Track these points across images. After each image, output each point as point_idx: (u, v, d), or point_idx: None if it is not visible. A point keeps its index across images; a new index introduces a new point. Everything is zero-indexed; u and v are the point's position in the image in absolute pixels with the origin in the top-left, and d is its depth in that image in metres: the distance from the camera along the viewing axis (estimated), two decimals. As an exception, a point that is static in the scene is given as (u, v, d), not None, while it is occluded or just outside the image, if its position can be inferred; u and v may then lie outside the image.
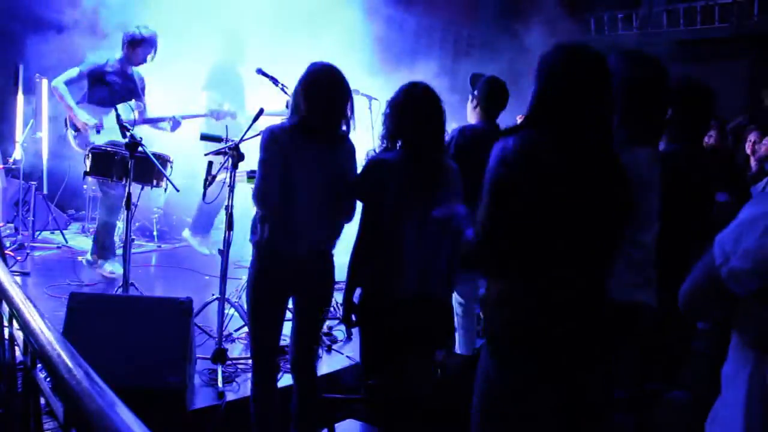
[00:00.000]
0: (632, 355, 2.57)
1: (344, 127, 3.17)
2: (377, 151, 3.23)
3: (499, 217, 2.04)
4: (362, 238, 3.07)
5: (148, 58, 5.63)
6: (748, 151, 6.96)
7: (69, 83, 5.43)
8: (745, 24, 13.78)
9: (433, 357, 3.20)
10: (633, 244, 2.44)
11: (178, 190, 4.67)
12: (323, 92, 3.08)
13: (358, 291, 3.12)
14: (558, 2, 9.08)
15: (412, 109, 3.04)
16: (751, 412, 1.21)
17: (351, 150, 3.23)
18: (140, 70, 5.79)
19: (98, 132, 5.38)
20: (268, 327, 3.20)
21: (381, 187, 3.00)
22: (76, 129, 5.44)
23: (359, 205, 3.16)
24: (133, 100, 5.59)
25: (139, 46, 5.52)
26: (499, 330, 2.10)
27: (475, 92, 4.31)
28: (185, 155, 5.53)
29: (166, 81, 6.37)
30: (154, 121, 5.72)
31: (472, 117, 4.39)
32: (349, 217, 3.28)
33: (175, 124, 5.69)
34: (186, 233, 6.75)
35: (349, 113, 3.15)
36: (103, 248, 5.56)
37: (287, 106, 4.66)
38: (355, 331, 4.73)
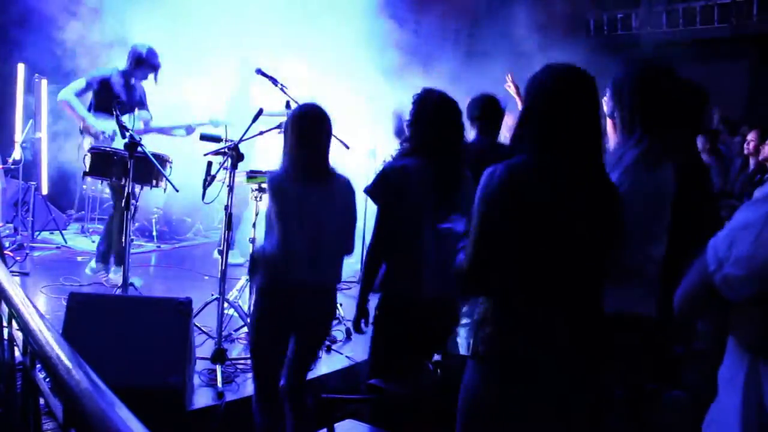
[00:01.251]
0: (631, 356, 2.56)
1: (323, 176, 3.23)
2: (393, 157, 3.27)
3: (487, 244, 2.05)
4: (377, 243, 3.10)
5: (150, 77, 5.66)
6: (747, 151, 6.98)
7: (78, 94, 5.44)
8: (745, 24, 13.78)
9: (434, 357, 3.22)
10: (644, 258, 2.45)
11: (177, 190, 4.67)
12: (310, 135, 3.17)
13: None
14: (556, 4, 9.08)
15: (430, 116, 3.09)
16: (747, 416, 1.21)
17: (348, 185, 3.28)
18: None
19: (113, 140, 5.37)
20: (270, 363, 3.26)
21: (399, 192, 3.02)
22: (93, 135, 5.41)
23: (372, 211, 3.19)
24: (136, 109, 5.60)
25: (142, 64, 5.56)
26: (483, 349, 2.10)
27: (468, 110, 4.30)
28: (185, 155, 5.53)
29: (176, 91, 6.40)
30: (166, 131, 5.75)
31: (470, 133, 4.38)
32: (347, 250, 3.33)
33: (189, 129, 5.74)
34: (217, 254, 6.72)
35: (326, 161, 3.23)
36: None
37: (287, 107, 4.70)
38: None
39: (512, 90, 5.04)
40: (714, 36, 14.01)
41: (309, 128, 3.18)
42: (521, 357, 2.06)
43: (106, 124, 5.38)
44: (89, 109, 5.51)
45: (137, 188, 5.02)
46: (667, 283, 2.52)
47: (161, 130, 5.76)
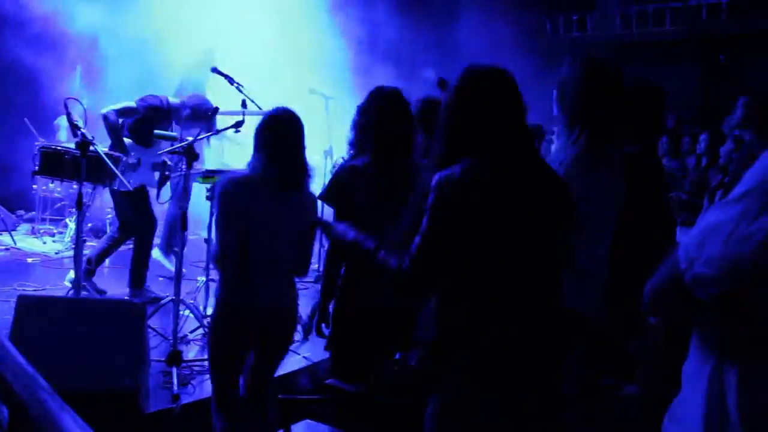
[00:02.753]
0: (585, 352, 2.60)
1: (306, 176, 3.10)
2: (345, 158, 3.24)
3: (439, 247, 2.05)
4: (336, 245, 3.03)
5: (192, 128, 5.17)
6: (699, 151, 7.17)
7: (121, 115, 5.07)
8: (696, 27, 14.12)
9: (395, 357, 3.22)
10: (588, 257, 2.47)
11: (131, 190, 4.59)
12: (284, 142, 3.01)
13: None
14: (514, 5, 9.18)
15: (380, 114, 3.04)
16: (710, 413, 1.23)
17: (313, 201, 3.16)
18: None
19: (133, 168, 5.02)
20: (227, 375, 3.16)
21: (352, 193, 2.99)
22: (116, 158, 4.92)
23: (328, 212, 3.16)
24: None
25: (199, 118, 5.03)
26: (442, 348, 2.11)
27: None
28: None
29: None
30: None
31: None
32: (301, 272, 3.23)
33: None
34: (156, 254, 6.60)
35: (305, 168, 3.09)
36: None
37: (243, 106, 4.66)
38: (312, 332, 4.74)
39: None
40: (666, 38, 14.34)
41: (286, 136, 3.03)
42: (478, 358, 2.07)
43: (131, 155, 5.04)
44: (123, 130, 5.14)
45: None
46: (616, 281, 2.58)
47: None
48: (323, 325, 3.17)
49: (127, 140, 5.07)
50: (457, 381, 2.09)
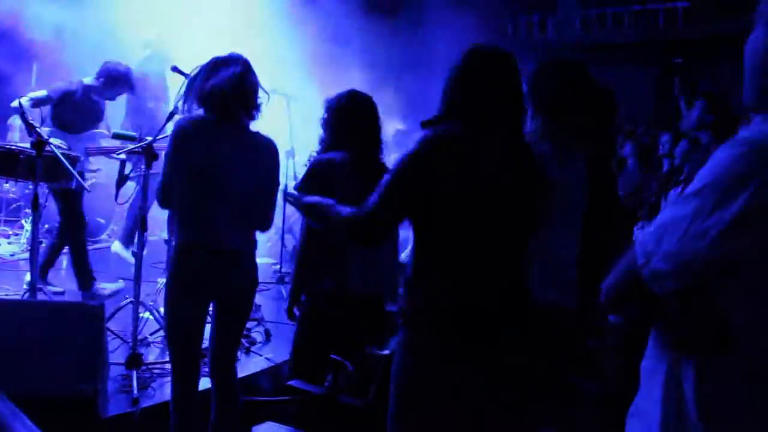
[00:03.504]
0: (554, 348, 2.62)
1: (247, 114, 3.03)
2: (318, 152, 3.30)
3: (404, 195, 2.09)
4: (308, 236, 3.10)
5: (118, 98, 5.39)
6: (662, 152, 7.30)
7: (35, 105, 5.05)
8: (652, 32, 14.42)
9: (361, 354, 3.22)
10: (555, 246, 2.50)
11: (89, 191, 4.50)
12: (231, 82, 2.95)
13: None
14: (476, 7, 9.24)
15: (354, 114, 3.19)
16: (667, 408, 1.25)
17: (272, 147, 3.10)
18: None
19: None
20: (185, 328, 3.02)
21: (327, 185, 2.97)
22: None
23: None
24: (98, 128, 5.34)
25: (117, 83, 5.27)
26: (414, 315, 2.12)
27: None
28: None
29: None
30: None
31: None
32: (264, 226, 3.16)
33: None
34: (116, 246, 6.47)
35: (256, 102, 3.05)
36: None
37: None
38: (274, 332, 4.73)
39: None
40: (624, 42, 14.61)
41: (229, 68, 2.98)
42: (465, 321, 2.08)
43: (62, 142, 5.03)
44: (47, 123, 5.15)
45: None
46: (582, 276, 2.61)
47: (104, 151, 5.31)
48: (295, 309, 3.20)
49: (48, 129, 5.08)
50: (425, 344, 2.09)
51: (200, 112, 3.01)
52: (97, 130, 5.41)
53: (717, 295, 1.18)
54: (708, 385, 1.19)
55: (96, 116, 5.44)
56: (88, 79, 5.32)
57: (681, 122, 5.89)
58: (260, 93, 3.09)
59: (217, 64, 3.00)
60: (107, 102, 5.55)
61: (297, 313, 3.22)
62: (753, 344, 1.15)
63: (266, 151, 3.08)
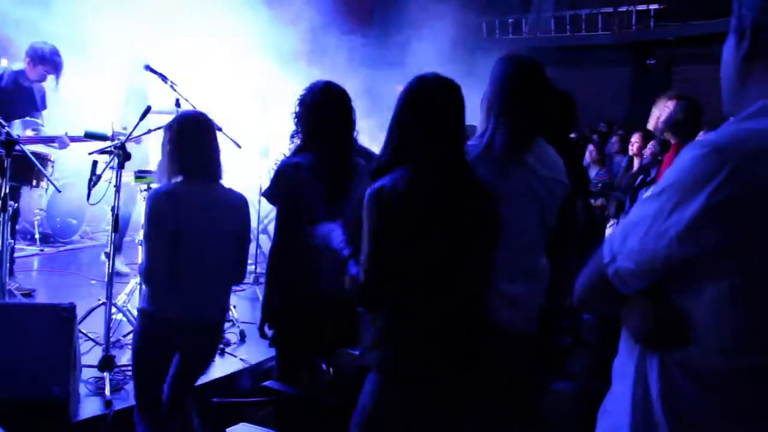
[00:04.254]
0: (509, 360, 2.63)
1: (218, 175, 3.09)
2: (286, 155, 3.20)
3: (384, 260, 2.12)
4: (280, 244, 3.05)
5: (49, 78, 5.21)
6: (632, 152, 7.38)
7: None
8: (625, 33, 14.58)
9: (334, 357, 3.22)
10: (511, 257, 2.50)
11: (59, 191, 4.44)
12: (198, 142, 3.02)
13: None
14: (451, 7, 9.27)
15: (327, 109, 3.04)
16: (636, 406, 1.27)
17: (243, 203, 3.15)
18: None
19: None
20: (151, 379, 3.11)
21: (295, 190, 2.98)
22: None
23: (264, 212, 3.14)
24: (28, 117, 5.22)
25: (40, 63, 5.11)
26: (382, 361, 2.19)
27: None
28: (71, 154, 5.25)
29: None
30: (45, 140, 5.31)
31: None
32: (238, 280, 3.26)
33: (62, 144, 5.13)
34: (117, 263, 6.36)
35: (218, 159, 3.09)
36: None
37: (177, 105, 4.57)
38: (249, 333, 4.70)
39: None
40: (598, 42, 14.76)
41: (194, 131, 3.03)
42: (415, 365, 2.16)
43: None
44: None
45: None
46: (553, 277, 2.64)
47: (38, 140, 5.14)
48: (266, 326, 3.15)
49: None
50: (380, 378, 2.17)
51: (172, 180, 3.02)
52: (30, 118, 5.24)
53: (678, 293, 1.20)
54: (672, 381, 1.21)
55: (27, 102, 5.26)
56: (18, 65, 5.21)
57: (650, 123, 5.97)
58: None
59: (186, 125, 3.04)
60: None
61: (268, 332, 3.17)
62: (713, 341, 1.17)
63: (237, 207, 3.12)
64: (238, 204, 3.12)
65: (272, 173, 3.15)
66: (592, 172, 7.63)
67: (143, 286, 3.10)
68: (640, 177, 5.15)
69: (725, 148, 1.11)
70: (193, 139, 3.02)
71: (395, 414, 2.16)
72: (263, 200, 6.25)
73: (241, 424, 2.99)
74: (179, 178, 2.99)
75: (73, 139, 4.95)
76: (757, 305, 1.13)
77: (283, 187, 3.02)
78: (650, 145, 5.56)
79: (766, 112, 1.17)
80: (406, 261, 2.11)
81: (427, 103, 2.17)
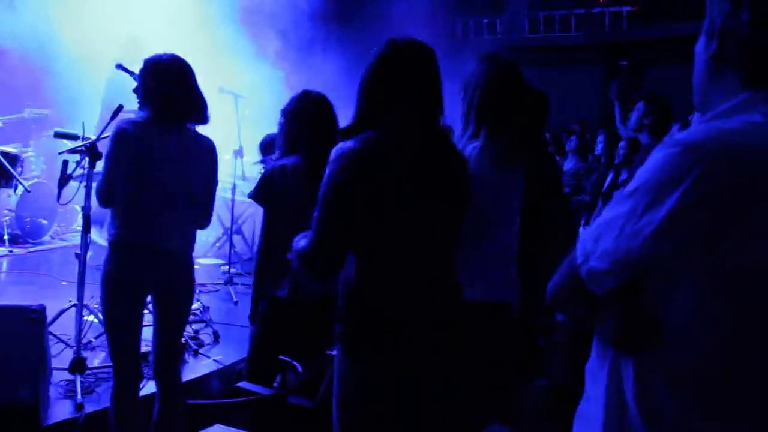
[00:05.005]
0: (500, 344, 2.65)
1: (196, 118, 3.07)
2: (274, 159, 3.32)
3: (339, 219, 2.04)
4: (266, 245, 3.14)
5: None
6: (598, 152, 7.47)
7: None
8: (598, 34, 14.73)
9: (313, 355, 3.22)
10: (494, 242, 2.53)
11: (29, 191, 4.37)
12: (171, 81, 2.99)
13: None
14: (425, 7, 9.29)
15: (310, 119, 3.19)
16: (610, 405, 1.27)
17: (211, 151, 3.14)
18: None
19: None
20: (125, 327, 3.04)
21: (282, 192, 3.07)
22: None
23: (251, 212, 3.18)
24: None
25: None
26: (351, 327, 2.10)
27: None
28: (42, 153, 5.19)
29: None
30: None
31: None
32: (202, 225, 3.21)
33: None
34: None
35: (200, 102, 3.07)
36: None
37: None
38: (223, 334, 4.67)
39: None
40: (571, 43, 14.90)
41: (172, 72, 3.01)
42: (403, 328, 2.08)
43: None
44: None
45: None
46: (524, 276, 2.66)
47: None
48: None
49: None
50: (366, 356, 2.09)
51: (142, 113, 3.02)
52: None
53: (650, 293, 1.21)
54: (647, 383, 1.21)
55: None
56: None
57: (616, 124, 6.05)
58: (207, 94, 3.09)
59: (160, 66, 3.01)
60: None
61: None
62: (685, 341, 1.18)
63: (205, 150, 3.11)
64: (206, 147, 3.11)
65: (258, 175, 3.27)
66: (571, 162, 7.69)
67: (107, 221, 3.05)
68: (610, 177, 5.21)
69: (697, 146, 1.12)
70: (163, 79, 2.99)
71: (368, 381, 2.07)
72: (237, 201, 6.29)
73: (215, 425, 2.97)
74: (149, 114, 2.99)
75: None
76: (729, 304, 1.14)
77: (269, 189, 3.14)
78: (620, 145, 5.62)
79: (734, 110, 1.19)
80: (370, 222, 2.04)
81: (400, 65, 2.10)
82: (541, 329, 3.59)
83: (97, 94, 6.16)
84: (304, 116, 3.20)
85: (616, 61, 14.33)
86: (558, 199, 3.28)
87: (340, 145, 2.05)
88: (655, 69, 13.54)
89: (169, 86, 2.97)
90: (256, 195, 3.18)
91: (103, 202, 3.01)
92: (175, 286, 3.13)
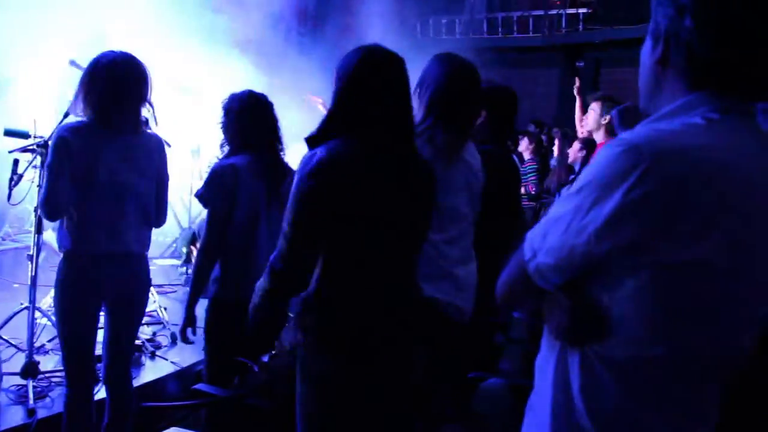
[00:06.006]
0: (451, 347, 2.67)
1: (145, 119, 3.00)
2: (219, 158, 3.21)
3: (312, 230, 2.03)
4: (209, 246, 3.03)
5: None
6: (556, 153, 7.58)
7: None
8: (555, 35, 14.94)
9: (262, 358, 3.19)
10: (446, 235, 2.54)
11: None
12: (117, 82, 2.85)
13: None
14: (386, 5, 9.32)
15: (254, 114, 3.13)
16: (557, 398, 1.29)
17: (160, 144, 3.06)
18: None
19: None
20: (81, 334, 2.96)
21: (232, 191, 3.00)
22: None
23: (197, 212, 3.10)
24: None
25: None
26: (315, 331, 2.10)
27: None
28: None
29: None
30: None
31: None
32: (158, 223, 3.13)
33: None
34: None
35: (149, 103, 2.98)
36: None
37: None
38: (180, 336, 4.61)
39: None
40: (529, 44, 15.08)
41: (119, 74, 2.85)
42: (366, 338, 2.09)
43: None
44: None
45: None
46: (480, 275, 2.68)
47: None
48: (189, 330, 3.10)
49: None
50: (322, 358, 2.09)
51: (84, 118, 2.88)
52: None
53: (596, 288, 1.23)
54: (592, 377, 1.25)
55: None
56: None
57: (575, 122, 6.15)
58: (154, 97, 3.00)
59: (107, 66, 2.86)
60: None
61: (190, 337, 3.13)
62: (627, 332, 1.21)
63: (152, 148, 3.03)
64: (153, 145, 3.03)
65: (206, 175, 3.16)
66: (527, 162, 7.77)
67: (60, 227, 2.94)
68: (572, 176, 5.29)
69: (640, 147, 1.15)
70: (102, 83, 2.84)
71: (344, 382, 2.08)
72: (195, 201, 6.21)
73: (171, 428, 2.94)
74: (91, 118, 2.85)
75: None
76: (667, 297, 1.17)
77: (218, 188, 3.04)
78: (575, 144, 5.72)
79: (677, 113, 1.22)
80: (338, 230, 2.03)
81: (370, 72, 2.09)
82: (497, 326, 3.62)
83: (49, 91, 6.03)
84: (252, 115, 3.13)
85: (573, 62, 14.55)
86: (512, 197, 3.30)
87: (309, 153, 2.04)
88: (610, 70, 13.78)
89: (107, 91, 2.83)
90: (205, 194, 3.08)
91: (50, 215, 2.88)
92: (131, 291, 3.06)
